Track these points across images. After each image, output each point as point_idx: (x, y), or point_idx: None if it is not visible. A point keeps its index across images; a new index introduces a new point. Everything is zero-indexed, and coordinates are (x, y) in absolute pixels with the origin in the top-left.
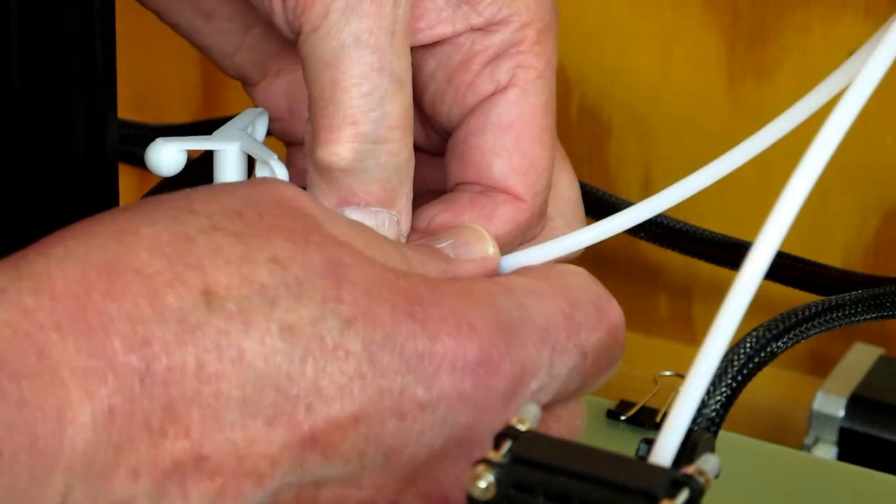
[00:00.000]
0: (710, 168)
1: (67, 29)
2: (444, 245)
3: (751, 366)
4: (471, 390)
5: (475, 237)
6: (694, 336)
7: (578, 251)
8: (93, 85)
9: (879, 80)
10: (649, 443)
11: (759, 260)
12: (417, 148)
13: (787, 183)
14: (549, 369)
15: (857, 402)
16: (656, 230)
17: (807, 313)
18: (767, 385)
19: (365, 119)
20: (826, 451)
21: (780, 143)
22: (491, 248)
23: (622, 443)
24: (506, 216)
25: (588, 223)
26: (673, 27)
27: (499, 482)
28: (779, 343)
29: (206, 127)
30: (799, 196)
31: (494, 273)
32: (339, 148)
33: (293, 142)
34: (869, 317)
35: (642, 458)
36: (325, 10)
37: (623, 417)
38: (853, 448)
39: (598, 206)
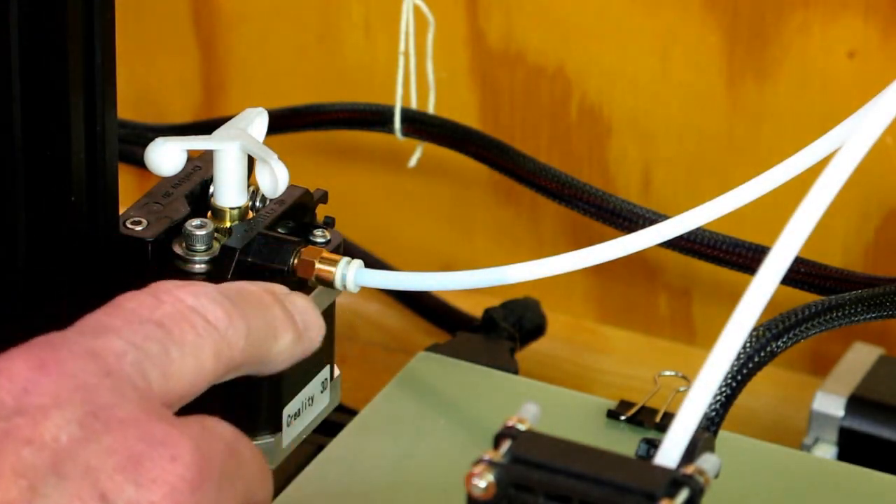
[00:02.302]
0: (704, 207)
1: (67, 29)
2: None
3: (750, 365)
4: None
5: None
6: (693, 336)
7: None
8: (93, 85)
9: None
10: (649, 443)
11: (777, 265)
12: None
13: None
14: None
15: (857, 402)
16: None
17: (807, 313)
18: (767, 385)
19: None
20: (826, 451)
21: (777, 143)
22: None
23: (622, 443)
24: None
25: (587, 222)
26: (673, 27)
27: (499, 482)
28: (778, 343)
29: (206, 127)
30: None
31: None
32: None
33: None
34: (869, 317)
35: (642, 458)
36: None
37: (623, 417)
38: (853, 448)
39: (597, 206)
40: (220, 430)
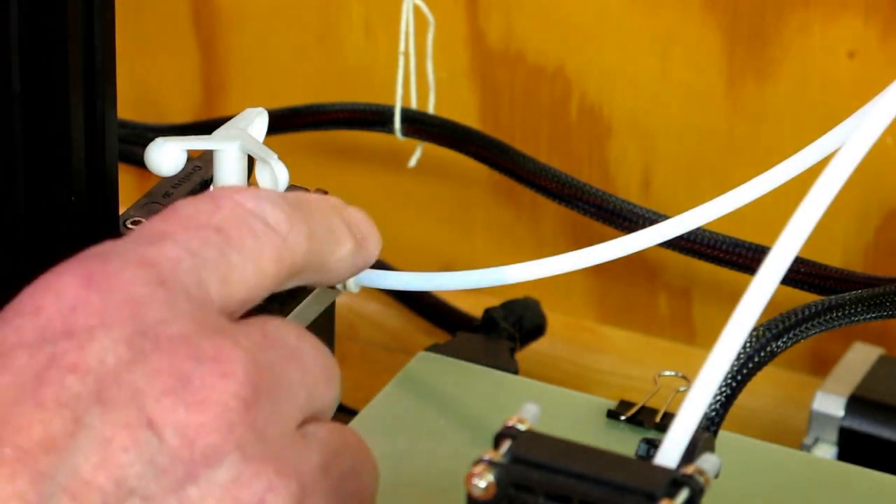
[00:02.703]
0: (704, 207)
1: (67, 29)
2: None
3: (750, 365)
4: None
5: None
6: (693, 336)
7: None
8: (93, 85)
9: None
10: (649, 443)
11: (777, 265)
12: None
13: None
14: None
15: (857, 402)
16: None
17: (806, 313)
18: (767, 385)
19: None
20: (826, 451)
21: (777, 143)
22: None
23: (622, 443)
24: None
25: (587, 222)
26: (673, 27)
27: (499, 482)
28: (778, 343)
29: (206, 127)
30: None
31: None
32: None
33: None
34: (869, 317)
35: (642, 458)
36: None
37: (623, 417)
38: (853, 448)
39: (597, 206)
40: (281, 333)
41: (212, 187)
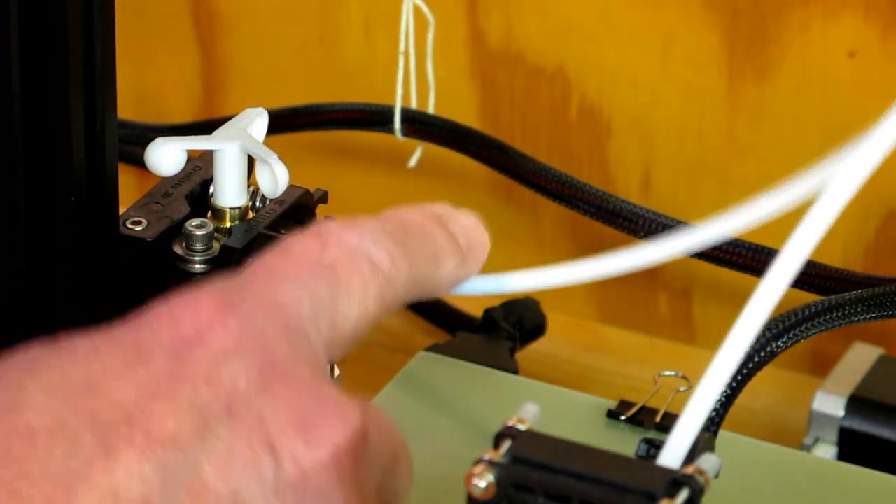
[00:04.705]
0: (702, 228)
1: (67, 29)
2: None
3: (750, 366)
4: None
5: None
6: (693, 336)
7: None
8: (93, 85)
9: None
10: (649, 443)
11: (787, 268)
12: None
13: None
14: None
15: (857, 402)
16: (656, 230)
17: (806, 313)
18: (767, 385)
19: None
20: (826, 451)
21: (779, 143)
22: None
23: (622, 443)
24: None
25: (587, 222)
26: (673, 27)
27: (499, 482)
28: (778, 343)
29: (206, 127)
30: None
31: None
32: None
33: None
34: (869, 317)
35: (642, 458)
36: None
37: (623, 417)
38: (853, 448)
39: (597, 206)
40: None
41: (212, 188)
